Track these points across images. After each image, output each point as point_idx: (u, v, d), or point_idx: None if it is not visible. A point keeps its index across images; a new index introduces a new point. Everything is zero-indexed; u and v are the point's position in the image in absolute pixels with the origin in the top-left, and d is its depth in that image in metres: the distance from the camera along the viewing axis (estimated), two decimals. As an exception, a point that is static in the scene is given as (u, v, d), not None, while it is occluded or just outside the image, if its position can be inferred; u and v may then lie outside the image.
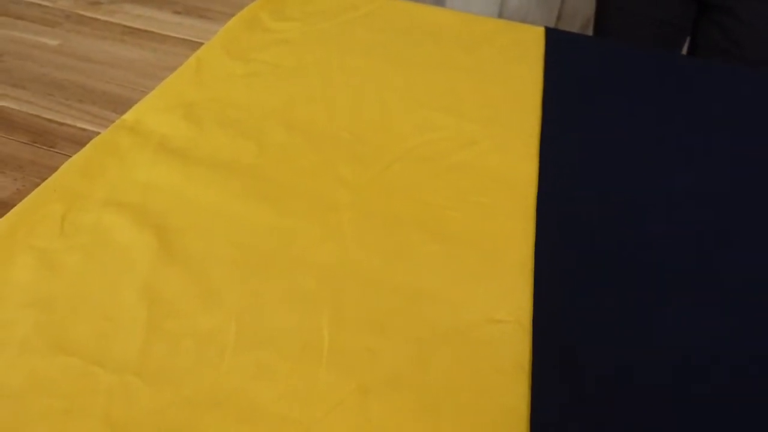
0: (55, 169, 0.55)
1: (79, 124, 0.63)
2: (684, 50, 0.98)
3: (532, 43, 0.81)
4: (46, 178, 0.53)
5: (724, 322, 0.47)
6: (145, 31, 0.80)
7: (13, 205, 0.50)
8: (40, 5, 0.88)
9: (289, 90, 0.70)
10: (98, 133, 0.61)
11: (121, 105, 0.66)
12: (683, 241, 0.54)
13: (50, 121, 0.65)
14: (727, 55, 0.83)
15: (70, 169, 0.56)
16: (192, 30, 0.82)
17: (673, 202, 0.58)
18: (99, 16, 0.82)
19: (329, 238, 0.51)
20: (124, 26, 0.81)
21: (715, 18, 0.83)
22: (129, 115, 0.63)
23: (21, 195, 0.53)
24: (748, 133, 0.67)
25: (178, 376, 0.40)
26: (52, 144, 0.64)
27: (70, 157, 0.56)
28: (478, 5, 0.93)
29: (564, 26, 1.92)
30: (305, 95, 0.69)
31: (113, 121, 0.63)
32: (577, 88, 0.72)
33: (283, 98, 0.68)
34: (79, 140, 0.61)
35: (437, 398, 0.40)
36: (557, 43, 0.79)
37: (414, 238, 0.52)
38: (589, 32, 1.69)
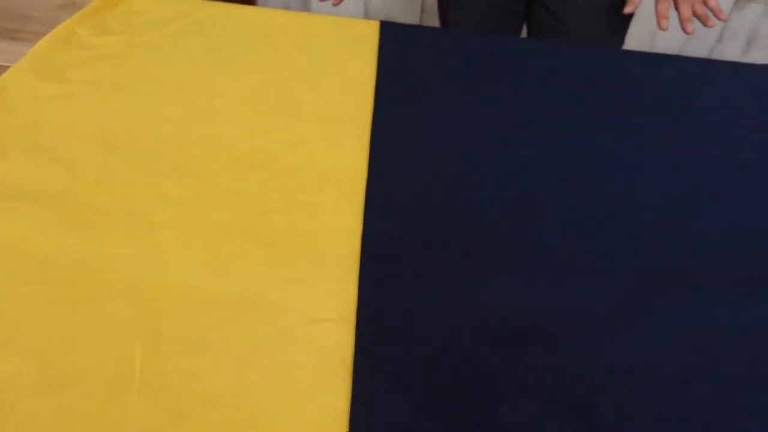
0: None
1: None
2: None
3: (367, 37, 0.82)
4: None
5: (545, 295, 0.49)
6: (-54, 58, 0.74)
7: None
8: None
9: (108, 108, 0.67)
10: None
11: None
12: (510, 219, 0.56)
13: None
14: (556, 34, 0.88)
15: None
16: (1, 54, 0.77)
17: (502, 185, 0.60)
18: None
19: (147, 260, 0.50)
20: None
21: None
22: None
23: None
24: (580, 104, 0.72)
25: (-37, 435, 0.37)
26: None
27: None
28: (343, 6, 0.94)
29: (428, 20, 1.99)
30: (126, 112, 0.67)
31: None
32: (410, 78, 0.75)
33: (102, 117, 0.65)
34: None
35: (257, 410, 0.40)
36: (391, 35, 0.81)
37: (238, 247, 0.51)
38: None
